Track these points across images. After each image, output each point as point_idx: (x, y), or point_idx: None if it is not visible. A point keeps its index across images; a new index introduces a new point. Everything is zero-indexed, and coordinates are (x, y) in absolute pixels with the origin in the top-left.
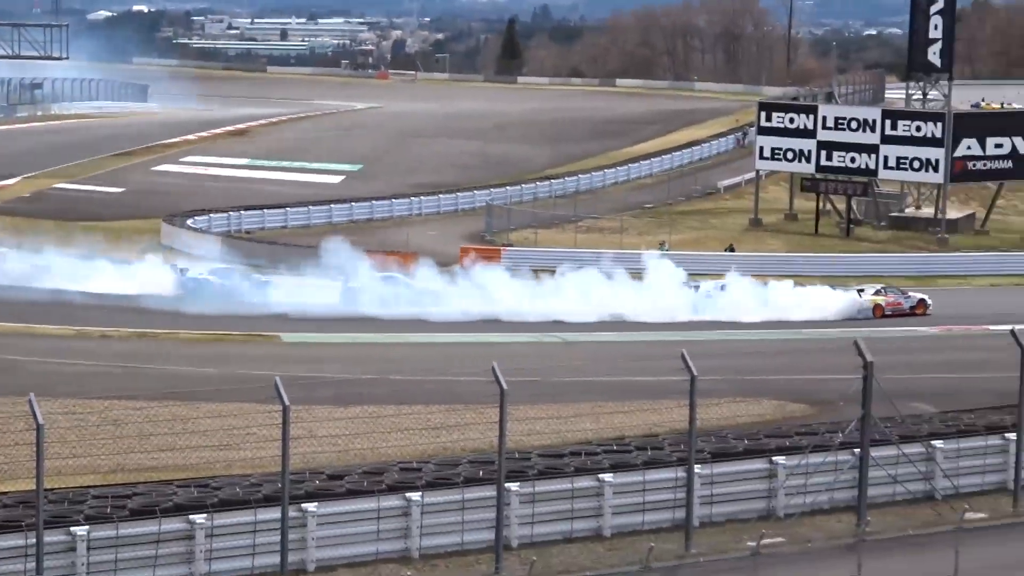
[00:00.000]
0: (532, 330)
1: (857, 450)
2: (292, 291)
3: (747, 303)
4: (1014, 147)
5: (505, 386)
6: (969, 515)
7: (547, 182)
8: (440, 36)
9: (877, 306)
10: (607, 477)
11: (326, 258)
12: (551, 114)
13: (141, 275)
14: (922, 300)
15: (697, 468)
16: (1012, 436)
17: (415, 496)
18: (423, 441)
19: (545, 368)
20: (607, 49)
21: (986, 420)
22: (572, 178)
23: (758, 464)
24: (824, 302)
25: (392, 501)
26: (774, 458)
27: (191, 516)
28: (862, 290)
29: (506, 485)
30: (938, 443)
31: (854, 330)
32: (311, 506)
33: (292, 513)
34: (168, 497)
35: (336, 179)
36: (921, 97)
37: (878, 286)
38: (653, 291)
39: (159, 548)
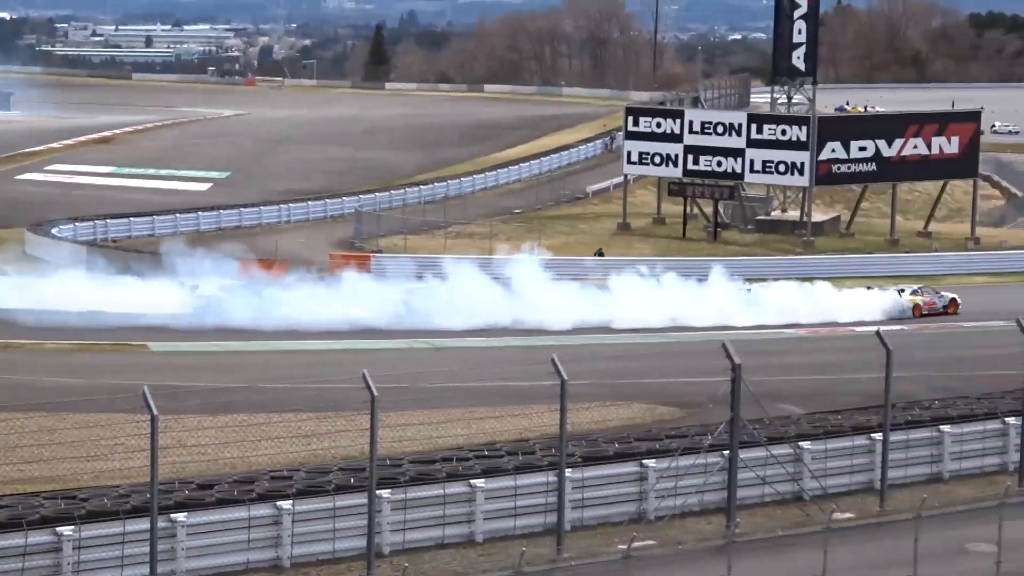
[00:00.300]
0: (404, 338)
1: (726, 452)
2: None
3: (798, 305)
4: (877, 150)
5: (376, 393)
6: (837, 515)
7: (416, 188)
8: (307, 42)
9: (916, 306)
10: (479, 483)
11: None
12: (420, 120)
13: (149, 294)
14: (953, 299)
15: (568, 472)
16: (878, 436)
17: (286, 505)
18: (294, 449)
19: (416, 374)
20: (474, 55)
21: (853, 421)
22: (441, 184)
23: (628, 467)
24: (869, 303)
25: (263, 510)
26: (644, 461)
27: (58, 528)
28: (902, 290)
29: (377, 492)
30: (806, 444)
31: (720, 335)
32: (181, 516)
33: (161, 523)
34: (35, 509)
35: (204, 187)
36: (786, 101)
37: (915, 286)
38: (709, 294)
39: (25, 561)
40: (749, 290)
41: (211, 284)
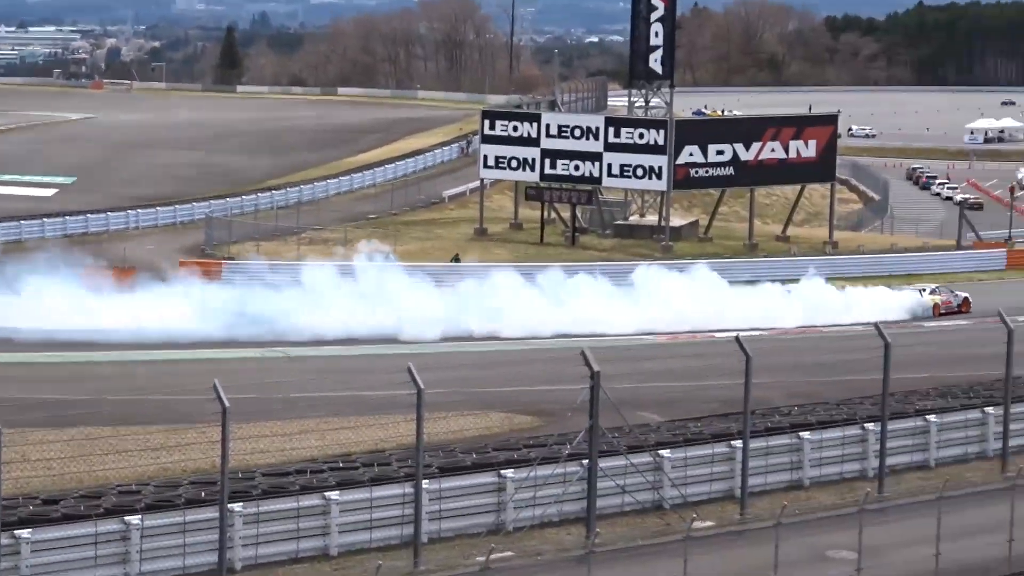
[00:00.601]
0: (259, 347)
1: (585, 461)
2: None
3: (834, 305)
4: (735, 154)
5: (227, 404)
6: (697, 524)
7: (268, 193)
8: (156, 44)
9: (935, 305)
10: (333, 495)
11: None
12: (272, 123)
13: (152, 304)
14: (966, 298)
15: (425, 483)
16: (738, 444)
17: (134, 520)
18: (143, 463)
19: (269, 384)
20: (328, 57)
21: (713, 428)
22: (294, 189)
23: (486, 478)
24: (893, 302)
25: (110, 525)
26: (503, 472)
27: None
28: (923, 290)
29: (229, 506)
30: (666, 453)
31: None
32: (25, 533)
33: (4, 540)
34: None
35: (49, 192)
36: (643, 104)
37: (933, 286)
38: (757, 297)
39: None
40: (789, 291)
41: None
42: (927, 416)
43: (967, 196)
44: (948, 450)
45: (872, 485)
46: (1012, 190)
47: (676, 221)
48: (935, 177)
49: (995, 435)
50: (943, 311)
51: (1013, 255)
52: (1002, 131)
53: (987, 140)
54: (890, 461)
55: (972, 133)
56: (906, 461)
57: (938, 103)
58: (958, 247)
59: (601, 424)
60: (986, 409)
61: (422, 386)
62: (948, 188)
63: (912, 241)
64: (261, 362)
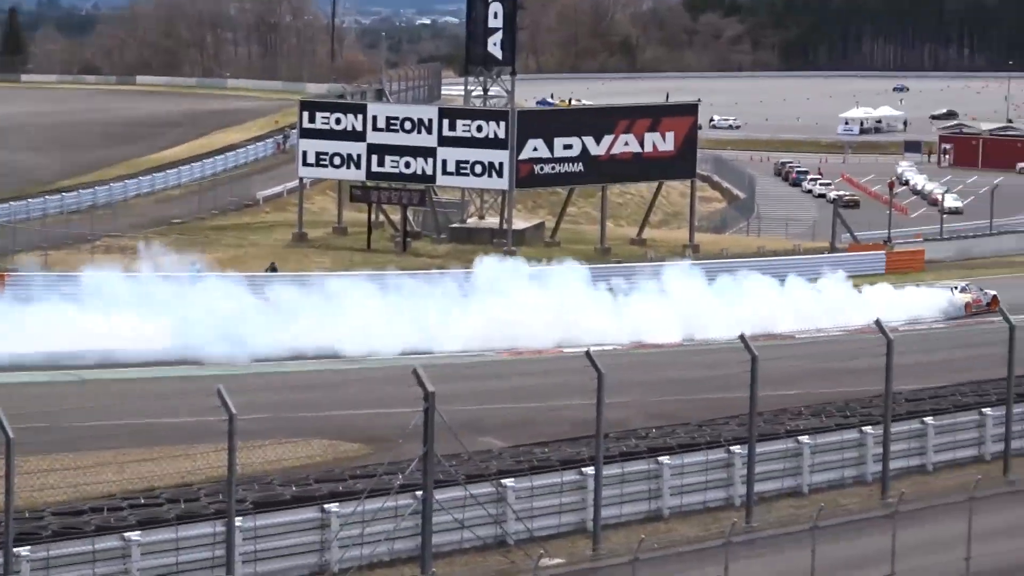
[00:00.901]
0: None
1: (419, 493)
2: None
3: (879, 303)
4: (585, 148)
5: (12, 435)
6: (545, 561)
7: (58, 196)
8: None
9: (967, 303)
10: (134, 536)
11: None
12: (62, 117)
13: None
14: (995, 296)
15: (238, 521)
16: (590, 471)
17: None
18: None
19: (59, 412)
20: (124, 41)
21: (561, 454)
22: (88, 190)
23: (308, 514)
24: (928, 301)
25: None
26: (326, 506)
27: None
28: (954, 288)
29: (15, 550)
30: (509, 482)
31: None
32: None
33: None
34: None
35: None
36: (482, 93)
37: (962, 283)
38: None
39: None
40: (860, 291)
41: None
42: (799, 437)
43: (841, 193)
44: (823, 474)
45: (739, 514)
46: (891, 186)
47: (519, 224)
48: (806, 172)
49: (874, 457)
50: (974, 310)
51: (893, 258)
52: (879, 121)
53: (863, 131)
54: (759, 487)
55: (847, 123)
56: (776, 487)
57: (809, 90)
58: (832, 250)
59: (437, 451)
60: (864, 429)
61: (234, 411)
62: (821, 184)
63: (781, 244)
64: (51, 386)
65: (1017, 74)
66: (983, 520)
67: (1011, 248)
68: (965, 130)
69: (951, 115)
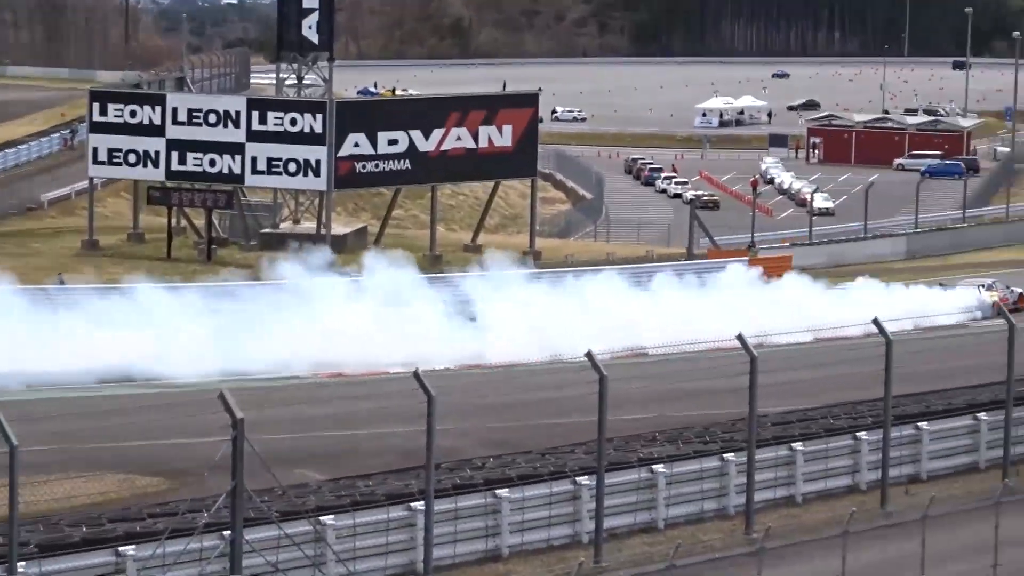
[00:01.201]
0: None
1: (227, 533)
2: None
3: (917, 303)
4: (412, 144)
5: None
6: None
7: None
8: None
9: (995, 302)
10: None
11: None
12: None
13: None
14: (1022, 294)
15: (21, 567)
16: (419, 506)
17: None
18: None
19: None
20: None
21: (388, 487)
22: None
23: (101, 557)
24: (959, 301)
25: None
26: (121, 548)
27: None
28: (981, 286)
29: None
30: (329, 519)
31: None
32: None
33: None
34: None
35: None
36: (296, 82)
37: (988, 281)
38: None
39: None
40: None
41: None
42: (653, 467)
43: (699, 193)
44: (680, 507)
45: (587, 553)
46: (754, 184)
47: (339, 228)
48: (660, 170)
49: (737, 488)
50: (1001, 308)
51: (756, 264)
52: (741, 112)
53: (723, 123)
54: (609, 523)
55: (705, 115)
56: (628, 522)
57: (663, 78)
58: (689, 256)
59: (247, 485)
60: (725, 456)
61: (15, 442)
62: (676, 183)
63: (633, 250)
64: None
65: (893, 59)
66: (858, 557)
67: (887, 253)
68: (836, 122)
69: (812, 105)
